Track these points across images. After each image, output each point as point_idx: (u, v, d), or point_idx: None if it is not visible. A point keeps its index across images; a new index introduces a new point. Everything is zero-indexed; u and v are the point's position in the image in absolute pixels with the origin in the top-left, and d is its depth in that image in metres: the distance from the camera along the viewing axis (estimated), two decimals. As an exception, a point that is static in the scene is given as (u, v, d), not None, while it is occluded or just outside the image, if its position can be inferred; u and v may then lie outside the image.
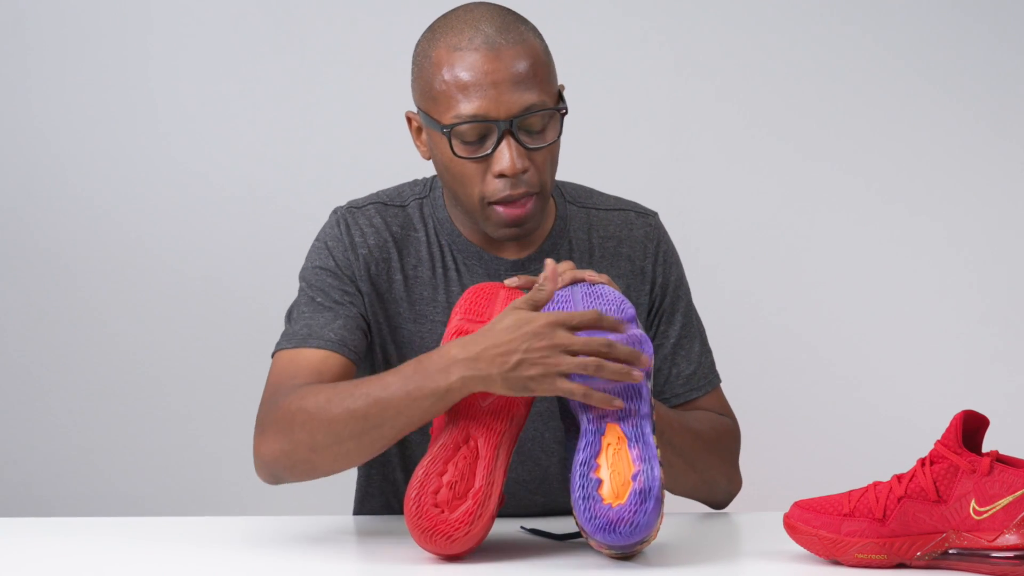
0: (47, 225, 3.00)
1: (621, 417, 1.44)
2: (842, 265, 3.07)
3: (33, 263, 3.00)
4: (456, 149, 1.61)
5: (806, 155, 3.07)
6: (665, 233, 1.83)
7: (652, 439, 1.42)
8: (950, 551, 1.42)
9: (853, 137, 3.07)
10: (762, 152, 3.06)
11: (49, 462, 3.01)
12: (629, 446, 1.42)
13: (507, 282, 1.59)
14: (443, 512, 1.42)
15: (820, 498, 1.47)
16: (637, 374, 1.44)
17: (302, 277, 1.74)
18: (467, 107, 1.59)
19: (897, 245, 3.08)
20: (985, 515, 1.40)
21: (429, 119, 1.64)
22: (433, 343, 1.71)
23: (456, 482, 1.44)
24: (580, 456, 1.43)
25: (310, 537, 1.61)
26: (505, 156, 1.60)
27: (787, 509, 1.49)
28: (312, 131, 3.01)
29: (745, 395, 3.00)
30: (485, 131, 1.60)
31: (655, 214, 1.84)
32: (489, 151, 1.60)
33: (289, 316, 1.73)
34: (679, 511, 1.73)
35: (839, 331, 3.07)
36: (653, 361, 1.52)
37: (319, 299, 1.70)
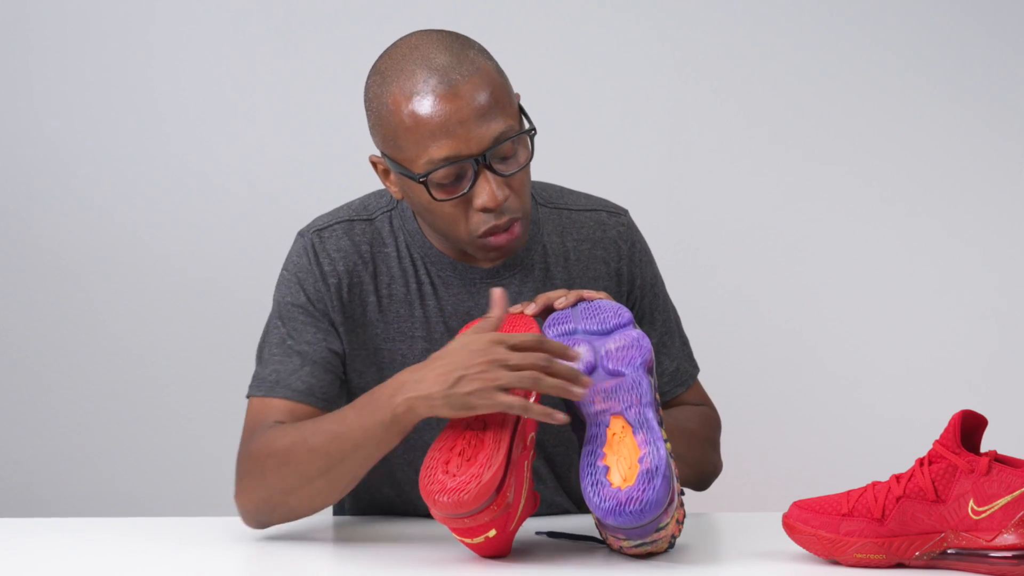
0: (48, 225, 3.00)
1: (624, 408, 1.46)
2: (841, 265, 3.07)
3: (34, 263, 3.00)
4: (435, 194, 1.58)
5: (806, 155, 3.07)
6: (637, 231, 1.82)
7: (656, 425, 1.44)
8: (948, 551, 1.42)
9: (853, 137, 3.07)
10: (762, 152, 3.06)
11: (50, 462, 3.01)
12: (634, 433, 1.44)
13: (512, 309, 1.61)
14: (454, 476, 1.42)
15: (819, 498, 1.47)
16: (578, 391, 1.45)
17: (275, 312, 1.72)
18: (438, 151, 1.55)
19: (896, 245, 3.08)
20: (983, 515, 1.40)
21: (399, 167, 1.60)
22: (413, 359, 1.70)
23: (465, 448, 1.45)
24: (586, 448, 1.45)
25: (310, 537, 1.62)
26: (485, 191, 1.57)
27: (786, 509, 1.49)
28: (314, 131, 3.01)
29: (744, 395, 3.01)
30: (460, 171, 1.57)
31: (626, 212, 1.82)
32: (467, 189, 1.57)
33: (260, 352, 1.72)
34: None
35: (838, 331, 3.07)
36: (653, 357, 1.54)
37: (289, 341, 1.68)
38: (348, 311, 1.71)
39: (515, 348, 1.46)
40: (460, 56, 1.58)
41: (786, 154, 3.06)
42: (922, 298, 3.08)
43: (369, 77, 1.63)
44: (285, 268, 1.73)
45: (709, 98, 3.05)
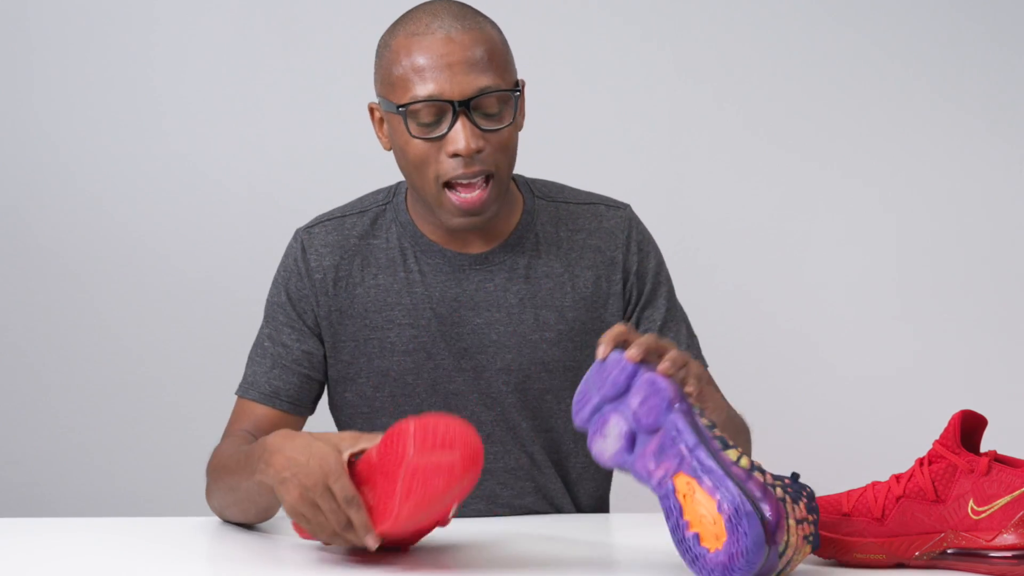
0: (49, 224, 3.00)
1: (678, 464, 1.36)
2: (841, 265, 3.07)
3: (35, 262, 3.00)
4: (411, 129, 1.64)
5: (805, 156, 3.07)
6: (639, 223, 1.84)
7: (712, 461, 1.34)
8: (948, 551, 1.42)
9: (851, 138, 3.07)
10: (761, 153, 3.06)
11: (51, 462, 3.01)
12: (700, 483, 1.34)
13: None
14: None
15: (819, 498, 1.47)
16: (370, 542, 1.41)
17: (265, 311, 1.81)
18: (423, 89, 1.63)
19: (896, 245, 3.08)
20: (983, 515, 1.40)
21: (388, 103, 1.67)
22: (402, 346, 1.75)
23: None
24: (669, 524, 1.37)
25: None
26: (459, 136, 1.63)
27: (786, 509, 1.49)
28: (314, 131, 3.02)
29: (744, 394, 3.00)
30: (440, 112, 1.63)
31: (627, 206, 1.85)
32: (444, 131, 1.63)
33: (251, 349, 1.81)
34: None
35: (838, 331, 3.07)
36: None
37: (267, 343, 1.78)
38: (336, 304, 1.76)
39: (335, 495, 1.42)
40: (468, 17, 1.67)
41: (785, 155, 3.07)
42: (922, 298, 3.08)
43: (384, 31, 1.73)
44: (278, 268, 1.82)
45: (709, 99, 3.05)
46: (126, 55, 3.00)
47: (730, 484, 1.32)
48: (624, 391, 1.41)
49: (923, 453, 1.46)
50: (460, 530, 1.59)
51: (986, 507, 1.40)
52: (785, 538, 1.33)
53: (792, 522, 1.33)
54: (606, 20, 3.04)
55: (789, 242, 3.07)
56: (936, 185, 3.07)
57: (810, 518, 1.36)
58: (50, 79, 2.99)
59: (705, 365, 1.84)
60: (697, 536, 1.33)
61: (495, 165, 1.66)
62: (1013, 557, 1.39)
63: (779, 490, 1.34)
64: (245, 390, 1.78)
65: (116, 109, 3.00)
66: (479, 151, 1.64)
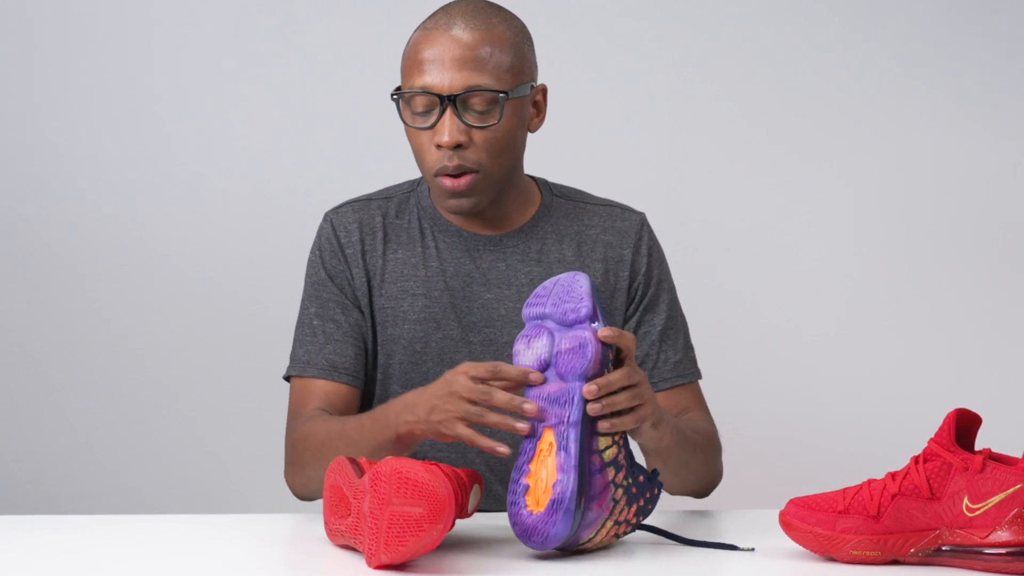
0: (52, 224, 3.01)
1: (555, 423, 1.45)
2: (839, 264, 3.08)
3: (38, 262, 3.01)
4: (404, 116, 1.74)
5: (804, 155, 3.08)
6: (651, 230, 1.89)
7: (575, 447, 1.42)
8: (943, 548, 1.43)
9: (850, 138, 3.08)
10: (760, 152, 3.07)
11: (54, 460, 3.02)
12: (556, 453, 1.43)
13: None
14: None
15: (815, 495, 1.48)
16: (521, 426, 1.47)
17: (305, 292, 1.86)
18: (418, 80, 1.72)
19: (894, 244, 3.08)
20: (978, 512, 1.41)
21: (396, 91, 1.76)
22: (414, 316, 1.81)
23: None
24: (519, 460, 1.47)
25: (313, 535, 1.63)
26: (443, 128, 1.70)
27: (783, 506, 1.50)
28: (314, 131, 3.02)
29: (742, 393, 3.02)
30: (431, 104, 1.72)
31: (642, 214, 1.90)
32: (432, 123, 1.71)
33: (295, 332, 1.85)
34: (677, 509, 1.75)
35: (835, 330, 3.08)
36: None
37: (316, 321, 1.83)
38: (363, 276, 1.83)
39: (474, 378, 1.52)
40: (479, 15, 1.74)
41: (785, 154, 3.07)
42: (918, 297, 3.08)
43: None
44: (311, 250, 1.87)
45: (709, 98, 3.06)
46: (127, 56, 3.01)
47: (573, 476, 1.40)
48: (566, 326, 1.50)
49: (918, 451, 1.47)
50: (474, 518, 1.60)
51: (980, 504, 1.41)
52: (591, 536, 1.43)
53: (609, 523, 1.44)
54: (605, 20, 3.05)
55: (788, 242, 3.07)
56: (934, 185, 3.08)
57: (634, 520, 1.47)
58: (50, 80, 3.00)
59: (699, 376, 1.87)
60: (527, 488, 1.43)
61: (478, 164, 1.73)
62: (1007, 554, 1.40)
63: (620, 491, 1.44)
64: (302, 369, 1.81)
65: (117, 110, 3.01)
66: (460, 146, 1.71)
